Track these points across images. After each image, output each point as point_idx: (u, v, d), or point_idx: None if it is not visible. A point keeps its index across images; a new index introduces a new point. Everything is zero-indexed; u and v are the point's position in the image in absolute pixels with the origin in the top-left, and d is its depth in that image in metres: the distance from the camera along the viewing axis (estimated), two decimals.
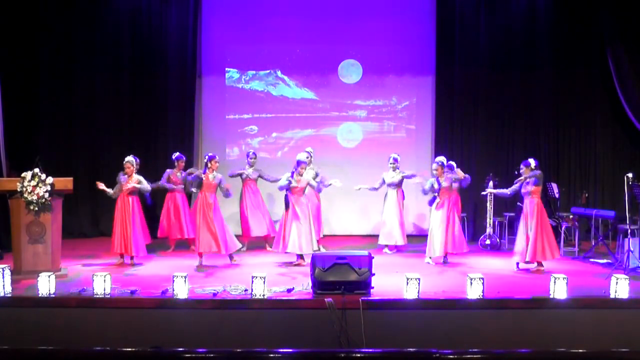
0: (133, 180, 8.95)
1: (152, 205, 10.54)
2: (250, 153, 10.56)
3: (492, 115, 11.82)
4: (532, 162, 8.75)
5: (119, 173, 9.12)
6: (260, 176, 10.43)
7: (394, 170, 10.17)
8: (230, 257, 8.96)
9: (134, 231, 8.89)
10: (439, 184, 9.15)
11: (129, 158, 9.03)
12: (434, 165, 9.35)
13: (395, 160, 10.18)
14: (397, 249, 10.18)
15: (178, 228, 10.15)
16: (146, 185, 9.08)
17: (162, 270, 8.48)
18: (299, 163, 8.98)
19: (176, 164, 10.25)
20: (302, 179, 8.99)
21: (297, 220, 8.82)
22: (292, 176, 8.88)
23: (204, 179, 8.81)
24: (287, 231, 8.84)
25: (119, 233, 8.86)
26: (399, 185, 10.17)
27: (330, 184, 9.93)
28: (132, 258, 8.96)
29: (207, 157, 8.98)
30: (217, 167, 8.93)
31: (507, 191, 9.10)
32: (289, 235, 8.81)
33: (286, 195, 8.95)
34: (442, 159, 9.47)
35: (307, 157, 9.60)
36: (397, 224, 10.02)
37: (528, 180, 8.64)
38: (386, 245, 10.14)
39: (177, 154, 10.37)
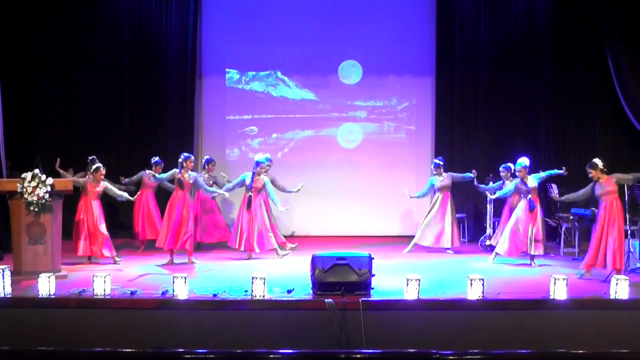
0: (101, 186, 9.12)
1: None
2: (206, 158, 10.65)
3: (492, 116, 11.82)
4: (598, 162, 8.27)
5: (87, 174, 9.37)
6: (214, 182, 10.39)
7: (439, 175, 10.19)
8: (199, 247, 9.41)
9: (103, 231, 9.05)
10: (526, 185, 9.13)
11: (100, 165, 9.17)
12: (519, 167, 9.28)
13: (437, 165, 10.22)
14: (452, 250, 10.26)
15: (150, 229, 10.22)
16: (116, 191, 9.25)
17: (161, 271, 8.49)
18: (257, 164, 9.56)
19: (154, 168, 10.26)
20: (260, 179, 9.52)
21: (255, 219, 9.40)
22: (252, 177, 9.45)
23: (181, 178, 9.06)
24: (248, 230, 9.41)
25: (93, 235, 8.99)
26: (449, 188, 10.22)
27: (293, 191, 10.19)
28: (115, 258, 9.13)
29: (182, 156, 9.20)
30: (192, 166, 9.17)
31: (577, 194, 8.60)
32: (252, 234, 9.41)
33: (250, 196, 9.43)
34: (525, 160, 9.30)
35: (268, 163, 10.06)
36: (454, 227, 10.15)
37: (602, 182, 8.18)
38: (448, 248, 10.18)
39: (156, 158, 10.40)
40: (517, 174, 9.37)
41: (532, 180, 9.20)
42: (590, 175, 8.31)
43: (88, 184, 9.10)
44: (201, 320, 6.81)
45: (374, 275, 7.13)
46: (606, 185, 8.20)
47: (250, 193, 9.49)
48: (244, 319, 6.80)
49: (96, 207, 9.08)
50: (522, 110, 11.80)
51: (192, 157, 9.24)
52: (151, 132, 11.79)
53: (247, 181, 9.54)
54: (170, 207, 9.07)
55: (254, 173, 9.54)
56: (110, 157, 11.11)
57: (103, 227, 9.02)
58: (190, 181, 9.09)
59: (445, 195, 10.19)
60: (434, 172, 10.28)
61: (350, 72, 12.15)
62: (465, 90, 11.78)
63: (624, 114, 11.29)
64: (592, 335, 6.68)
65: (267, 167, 10.05)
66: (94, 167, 9.16)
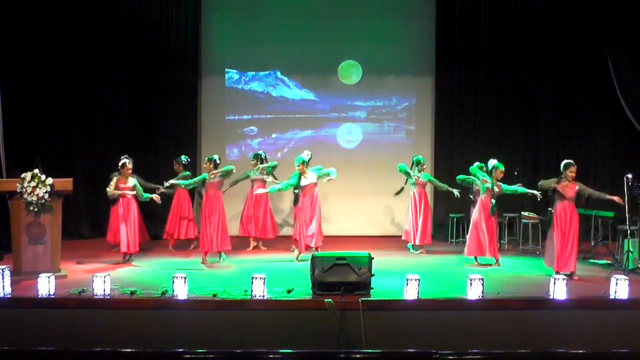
0: (130, 182, 9.11)
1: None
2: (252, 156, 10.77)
3: (492, 116, 11.83)
4: (572, 165, 8.32)
5: (115, 174, 9.29)
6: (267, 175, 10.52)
7: (419, 172, 10.20)
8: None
9: (134, 229, 9.06)
10: (493, 188, 9.17)
11: (128, 160, 9.14)
12: (502, 167, 9.34)
13: (419, 162, 10.22)
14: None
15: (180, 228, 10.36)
16: (140, 193, 9.18)
17: (162, 271, 8.49)
18: (296, 165, 9.50)
19: (175, 165, 10.45)
20: (306, 177, 9.49)
21: (304, 214, 9.43)
22: (298, 177, 9.46)
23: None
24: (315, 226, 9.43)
25: (126, 232, 9.02)
26: (424, 185, 10.26)
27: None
28: (130, 255, 9.18)
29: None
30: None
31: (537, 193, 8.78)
32: (315, 230, 9.42)
33: (296, 194, 9.57)
34: (493, 163, 9.33)
35: (308, 157, 9.91)
36: (425, 223, 10.14)
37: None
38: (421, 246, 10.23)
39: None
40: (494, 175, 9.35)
41: (500, 188, 9.19)
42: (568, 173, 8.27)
43: (118, 180, 9.10)
44: (201, 320, 6.81)
45: (373, 275, 7.13)
46: (570, 191, 8.25)
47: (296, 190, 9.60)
48: (244, 319, 6.79)
49: (122, 204, 9.05)
50: (522, 110, 11.80)
51: (127, 162, 9.08)
52: (152, 132, 11.77)
53: (294, 181, 9.54)
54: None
55: (299, 174, 9.53)
56: (110, 157, 11.10)
57: (122, 225, 8.99)
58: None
59: (420, 191, 10.19)
60: (415, 168, 10.20)
61: (350, 72, 12.15)
62: (465, 89, 11.78)
63: (624, 114, 11.30)
64: (592, 335, 6.68)
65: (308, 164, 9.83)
66: (120, 163, 9.16)
